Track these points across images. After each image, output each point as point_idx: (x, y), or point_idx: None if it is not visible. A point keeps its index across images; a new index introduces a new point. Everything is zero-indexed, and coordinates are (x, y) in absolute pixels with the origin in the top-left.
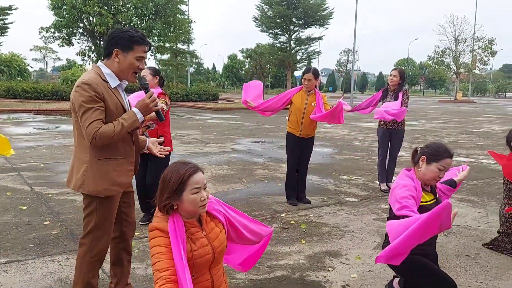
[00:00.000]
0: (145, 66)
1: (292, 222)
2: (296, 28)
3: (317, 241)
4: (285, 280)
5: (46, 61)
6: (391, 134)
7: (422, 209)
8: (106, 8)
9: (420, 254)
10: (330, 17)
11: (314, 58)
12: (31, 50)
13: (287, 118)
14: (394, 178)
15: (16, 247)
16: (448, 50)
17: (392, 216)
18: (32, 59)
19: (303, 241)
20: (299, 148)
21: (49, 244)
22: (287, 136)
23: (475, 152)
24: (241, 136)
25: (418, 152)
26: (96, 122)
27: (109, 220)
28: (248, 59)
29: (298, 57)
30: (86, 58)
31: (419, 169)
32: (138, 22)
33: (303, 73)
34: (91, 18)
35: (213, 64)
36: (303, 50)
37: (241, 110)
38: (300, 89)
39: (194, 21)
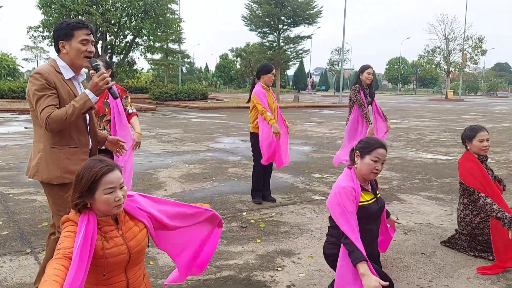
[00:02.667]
0: (98, 58)
1: (252, 221)
2: (285, 27)
3: (272, 240)
4: (230, 280)
5: (37, 61)
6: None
7: (361, 209)
8: (94, 7)
9: None
10: (319, 15)
11: (303, 57)
12: (22, 50)
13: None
14: None
15: None
16: (438, 49)
17: (333, 224)
18: (23, 59)
19: (258, 240)
20: None
21: None
22: (256, 137)
23: (454, 150)
24: (222, 135)
25: (354, 150)
26: (48, 107)
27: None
28: (238, 58)
29: (287, 56)
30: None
31: (355, 166)
32: (127, 22)
33: (270, 70)
34: (79, 17)
35: (206, 64)
36: (291, 49)
37: (228, 109)
38: (262, 88)
39: (184, 21)
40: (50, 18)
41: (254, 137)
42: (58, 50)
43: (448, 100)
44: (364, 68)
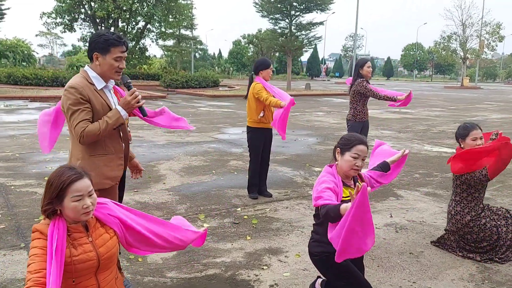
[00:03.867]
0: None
1: (245, 217)
2: (297, 13)
3: (263, 237)
4: (214, 279)
5: (52, 47)
6: (362, 127)
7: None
8: None
9: None
10: (331, 1)
11: (316, 44)
12: (36, 35)
13: (262, 115)
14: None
15: None
16: (454, 35)
17: (316, 213)
18: (37, 45)
19: (248, 237)
20: (265, 141)
21: None
22: (257, 132)
23: None
24: (228, 125)
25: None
26: (82, 122)
27: None
28: (250, 45)
29: (299, 43)
30: (87, 44)
31: (336, 162)
32: (139, 8)
33: (269, 65)
34: (92, 3)
35: (219, 50)
36: (304, 36)
37: (239, 97)
38: (264, 82)
39: (195, 7)
40: (63, 5)
41: (251, 132)
42: (90, 58)
43: (463, 87)
44: (364, 62)
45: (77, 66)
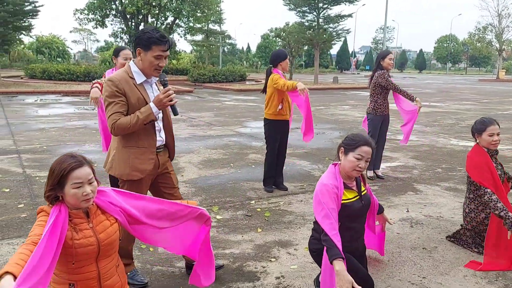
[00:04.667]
0: (126, 47)
1: (259, 209)
2: (324, 6)
3: (274, 230)
4: (222, 269)
5: (85, 43)
6: (383, 120)
7: (343, 207)
8: None
9: (344, 250)
10: None
11: (344, 37)
12: (71, 32)
13: (280, 107)
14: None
15: None
16: (490, 26)
17: (316, 223)
18: (72, 41)
19: (259, 230)
20: (282, 133)
21: (13, 227)
22: (274, 124)
23: None
24: (251, 119)
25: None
26: (115, 114)
27: None
28: (278, 38)
29: (327, 36)
30: (118, 39)
31: (339, 162)
32: (168, 3)
33: (286, 56)
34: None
35: (248, 44)
36: (332, 28)
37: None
38: (280, 72)
39: (223, 1)
40: (95, 1)
41: (268, 124)
42: (135, 54)
43: (499, 80)
44: (386, 53)
45: (109, 62)
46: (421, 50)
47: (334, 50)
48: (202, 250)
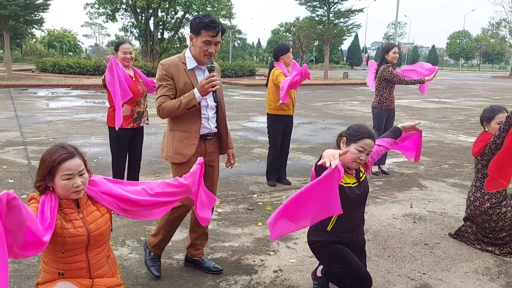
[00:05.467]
0: (126, 40)
1: (260, 203)
2: (335, 0)
3: None
4: (220, 262)
5: (96, 37)
6: (388, 114)
7: (342, 190)
8: None
9: (340, 242)
10: None
11: (354, 32)
12: (82, 26)
13: (281, 101)
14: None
15: None
16: (504, 21)
17: None
18: (83, 35)
19: (260, 223)
20: (284, 128)
21: None
22: (276, 119)
23: None
24: (259, 114)
25: (341, 135)
26: (161, 97)
27: None
28: (288, 33)
29: (337, 31)
30: (128, 33)
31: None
32: None
33: (288, 49)
34: None
35: (258, 39)
36: (342, 23)
37: None
38: (283, 67)
39: None
40: None
41: (270, 118)
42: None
43: None
44: (390, 47)
45: None
46: (433, 46)
47: (345, 45)
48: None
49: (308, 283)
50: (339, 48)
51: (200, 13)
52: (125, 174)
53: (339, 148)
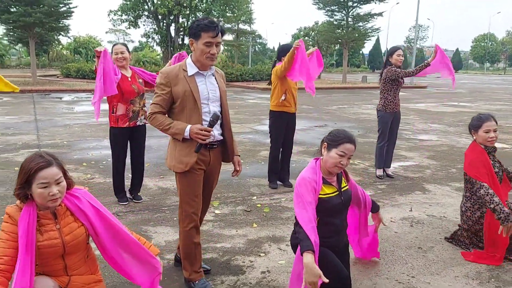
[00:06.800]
0: (119, 42)
1: (259, 205)
2: (354, 4)
3: (270, 225)
4: (209, 262)
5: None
6: (393, 117)
7: (320, 202)
8: None
9: (322, 246)
10: None
11: (373, 36)
12: (106, 33)
13: (283, 98)
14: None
15: None
16: None
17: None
18: (107, 42)
19: (255, 225)
20: (287, 127)
21: None
22: (278, 116)
23: None
24: None
25: (323, 141)
26: (154, 105)
27: (189, 193)
28: (306, 37)
29: (356, 35)
30: (150, 39)
31: (321, 157)
32: (199, 4)
33: (287, 51)
34: (155, 0)
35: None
36: (361, 27)
37: None
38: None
39: (253, 2)
40: (128, 3)
41: (274, 117)
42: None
43: None
44: (394, 50)
45: (143, 62)
46: (457, 49)
47: (367, 49)
48: None
49: None
50: (361, 52)
51: (221, 18)
52: (127, 177)
53: (321, 153)
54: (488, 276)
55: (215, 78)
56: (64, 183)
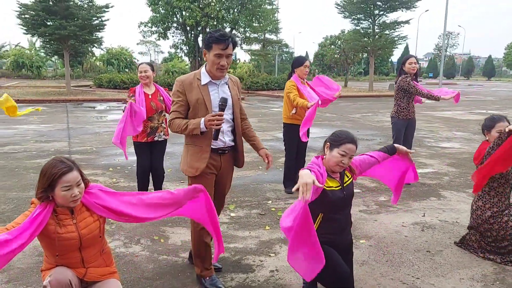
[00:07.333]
0: (144, 62)
1: (273, 209)
2: (380, 13)
3: None
4: (221, 261)
5: (150, 54)
6: (407, 124)
7: (323, 194)
8: (196, 3)
9: (327, 243)
10: None
11: (399, 43)
12: (137, 44)
13: (294, 111)
14: None
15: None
16: None
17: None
18: (138, 53)
19: (267, 227)
20: (299, 138)
21: None
22: (290, 128)
23: None
24: None
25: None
26: (173, 113)
27: None
28: (332, 46)
29: (382, 43)
30: (178, 50)
31: (324, 156)
32: (225, 15)
33: (302, 63)
34: (183, 13)
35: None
36: (387, 35)
37: None
38: (297, 80)
39: (279, 12)
40: (157, 15)
41: (286, 127)
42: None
43: None
44: (406, 58)
45: (172, 72)
46: (489, 56)
47: (395, 57)
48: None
49: (299, 283)
50: (389, 60)
51: (247, 28)
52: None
53: (324, 152)
54: (493, 279)
55: (228, 87)
56: (82, 185)
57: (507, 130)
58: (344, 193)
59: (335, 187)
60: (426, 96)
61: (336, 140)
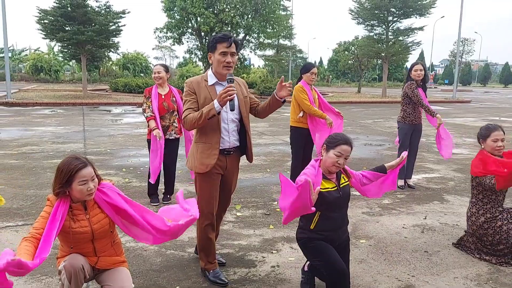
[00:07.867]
0: (158, 63)
1: (278, 209)
2: (394, 19)
3: (285, 227)
4: (225, 256)
5: (166, 59)
6: (413, 129)
7: (320, 195)
8: (210, 9)
9: (324, 240)
10: (432, 6)
11: (413, 49)
12: (153, 49)
13: (301, 114)
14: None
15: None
16: None
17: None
18: (154, 58)
19: (271, 226)
20: (305, 141)
21: None
22: (296, 131)
23: None
24: None
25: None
26: (186, 110)
27: (206, 194)
28: (346, 52)
29: (396, 49)
30: (193, 55)
31: (321, 157)
32: (239, 21)
33: (309, 69)
34: (198, 18)
35: (320, 58)
36: (401, 42)
37: None
38: (306, 84)
39: (292, 17)
40: (173, 21)
41: (292, 130)
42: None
43: None
44: (413, 65)
45: (186, 76)
46: (507, 63)
47: (410, 63)
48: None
49: (298, 278)
50: (404, 66)
51: (261, 34)
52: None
53: (321, 154)
54: (486, 278)
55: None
56: (96, 180)
57: None
58: (341, 193)
59: (331, 188)
60: (424, 108)
61: (332, 142)
